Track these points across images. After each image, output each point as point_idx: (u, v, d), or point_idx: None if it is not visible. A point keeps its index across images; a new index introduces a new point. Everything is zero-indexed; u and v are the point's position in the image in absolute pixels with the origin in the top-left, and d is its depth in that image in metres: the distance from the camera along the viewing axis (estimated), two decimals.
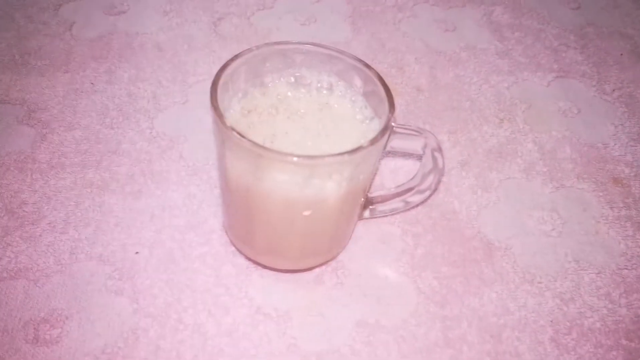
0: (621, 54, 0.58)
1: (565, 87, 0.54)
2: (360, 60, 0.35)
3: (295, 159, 0.29)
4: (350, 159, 0.30)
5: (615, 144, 0.50)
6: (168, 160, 0.44)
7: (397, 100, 0.51)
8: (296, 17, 0.58)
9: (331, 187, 0.31)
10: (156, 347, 0.34)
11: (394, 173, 0.45)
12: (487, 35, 0.59)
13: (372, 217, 0.40)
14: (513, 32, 0.59)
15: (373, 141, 0.31)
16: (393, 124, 0.33)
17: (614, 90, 0.55)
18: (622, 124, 0.51)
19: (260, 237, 0.36)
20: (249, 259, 0.39)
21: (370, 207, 0.39)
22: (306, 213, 0.33)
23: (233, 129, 0.30)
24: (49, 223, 0.40)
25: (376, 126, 0.35)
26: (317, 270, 0.39)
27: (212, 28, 0.56)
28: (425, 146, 0.35)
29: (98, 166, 0.43)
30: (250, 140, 0.29)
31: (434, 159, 0.35)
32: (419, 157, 0.36)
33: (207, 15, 0.57)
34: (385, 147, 0.34)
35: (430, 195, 0.38)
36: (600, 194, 0.46)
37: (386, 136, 0.32)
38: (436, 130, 0.49)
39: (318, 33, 0.57)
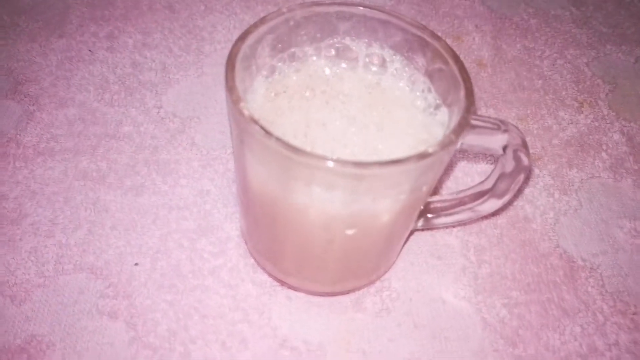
0: None
1: None
2: (424, 28, 0.27)
3: (337, 166, 0.21)
4: (413, 167, 0.22)
5: None
6: (178, 148, 0.37)
7: None
8: None
9: (385, 203, 0.24)
10: None
11: (457, 170, 0.37)
12: None
13: (426, 228, 0.32)
14: None
15: (445, 144, 0.22)
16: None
17: None
18: None
19: (288, 255, 0.28)
20: (273, 276, 0.31)
21: (428, 215, 0.31)
22: (350, 232, 0.25)
23: (255, 122, 0.22)
24: (32, 224, 0.33)
25: (443, 117, 0.26)
26: (357, 292, 0.31)
27: None
28: (506, 145, 0.26)
29: (93, 153, 0.36)
30: (277, 138, 0.22)
31: (517, 159, 0.27)
32: (493, 156, 0.28)
33: None
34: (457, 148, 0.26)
35: (507, 202, 0.30)
36: None
37: (462, 135, 0.23)
38: (502, 115, 0.40)
39: None
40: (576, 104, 0.42)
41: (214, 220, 0.34)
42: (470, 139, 0.26)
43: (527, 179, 0.29)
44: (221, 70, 0.41)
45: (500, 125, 0.26)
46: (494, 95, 0.42)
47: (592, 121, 0.41)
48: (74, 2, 0.45)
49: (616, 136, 0.40)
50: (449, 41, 0.44)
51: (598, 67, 0.44)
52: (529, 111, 0.41)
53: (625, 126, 0.41)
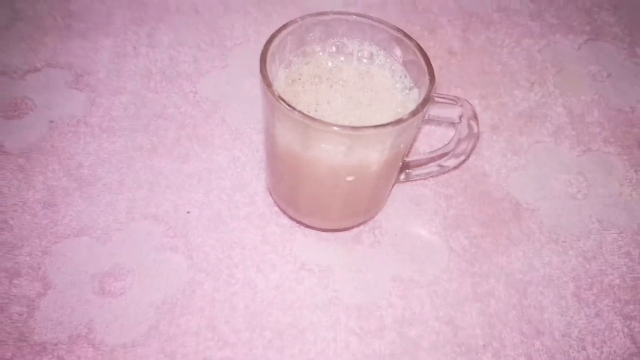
0: None
1: (596, 50, 0.55)
2: (400, 31, 0.37)
3: (340, 130, 0.31)
4: (392, 130, 0.32)
5: None
6: (212, 125, 0.46)
7: None
8: None
9: (374, 155, 0.34)
10: (211, 299, 0.38)
11: (428, 137, 0.47)
12: None
13: (407, 180, 0.42)
14: None
15: (414, 113, 0.33)
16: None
17: None
18: None
19: (304, 199, 0.38)
20: (292, 219, 0.41)
21: (407, 170, 0.41)
22: (349, 178, 0.35)
23: (283, 100, 0.32)
24: (105, 184, 0.42)
25: (415, 96, 0.36)
26: (355, 229, 0.42)
27: None
28: (461, 115, 0.37)
29: (146, 130, 0.46)
30: (299, 112, 0.32)
31: (470, 126, 0.37)
32: (454, 124, 0.38)
33: None
34: (424, 117, 0.36)
35: (464, 160, 0.40)
36: (626, 157, 0.47)
37: (426, 108, 0.34)
38: (468, 95, 0.50)
39: None
40: (528, 84, 0.52)
41: (244, 179, 0.44)
42: (436, 111, 0.36)
43: (476, 142, 0.39)
44: (241, 61, 0.51)
45: (456, 101, 0.36)
46: (462, 78, 0.52)
47: (541, 97, 0.51)
48: (115, 6, 0.54)
49: (559, 109, 0.50)
50: (425, 34, 0.55)
51: (548, 54, 0.54)
52: (490, 91, 0.51)
53: (567, 101, 0.51)
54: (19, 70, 0.48)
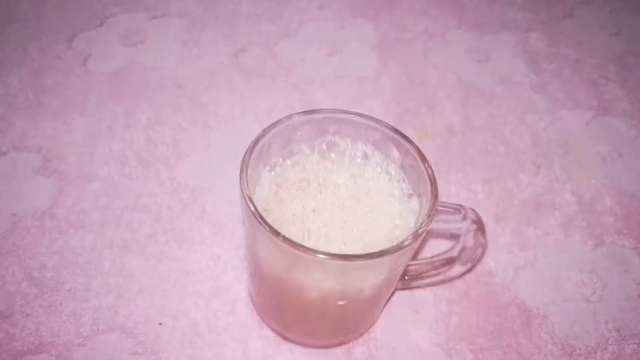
0: None
1: (604, 126, 0.52)
2: (398, 132, 0.33)
3: (330, 259, 0.27)
4: (389, 258, 0.28)
5: None
6: (190, 217, 0.42)
7: (428, 143, 0.49)
8: (321, 46, 0.56)
9: (369, 280, 0.30)
10: None
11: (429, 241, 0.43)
12: (522, 67, 0.56)
13: (405, 288, 0.38)
14: (550, 63, 0.56)
15: (416, 235, 0.29)
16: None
17: None
18: None
19: (289, 317, 0.34)
20: (277, 332, 0.37)
21: (406, 277, 0.37)
22: (341, 303, 0.31)
23: (265, 223, 0.28)
24: (69, 290, 0.38)
25: (415, 206, 0.33)
26: (348, 344, 0.37)
27: (233, 61, 0.53)
28: (466, 226, 0.33)
29: (118, 223, 0.42)
30: (283, 237, 0.28)
31: (477, 237, 0.33)
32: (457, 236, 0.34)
33: (227, 46, 0.55)
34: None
35: (472, 268, 0.36)
36: None
37: (429, 226, 0.30)
38: (470, 179, 0.47)
39: (344, 65, 0.54)
40: (534, 167, 0.48)
41: (224, 281, 0.39)
42: (436, 224, 0.32)
43: (484, 251, 0.35)
44: (225, 143, 0.47)
45: (460, 210, 0.33)
46: (463, 160, 0.48)
47: (548, 182, 0.47)
48: (92, 80, 0.51)
49: (567, 196, 0.46)
50: (424, 109, 0.51)
51: (553, 131, 0.51)
52: (493, 175, 0.47)
53: (575, 186, 0.47)
54: None
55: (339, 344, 0.37)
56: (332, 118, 0.34)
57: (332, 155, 0.35)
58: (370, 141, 0.34)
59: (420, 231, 0.29)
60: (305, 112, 0.33)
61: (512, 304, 0.40)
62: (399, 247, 0.28)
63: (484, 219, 0.43)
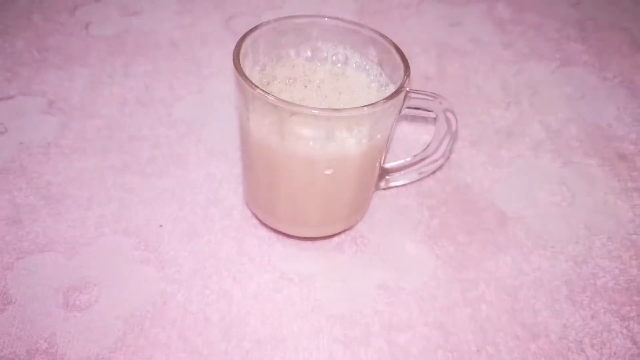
0: (620, 45, 0.60)
1: (568, 74, 0.56)
2: (375, 31, 0.37)
3: (317, 112, 0.31)
4: (369, 112, 0.31)
5: (618, 125, 0.51)
6: (187, 144, 0.46)
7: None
8: None
9: (351, 143, 0.33)
10: (184, 310, 0.35)
11: (407, 145, 0.47)
12: (490, 29, 0.61)
13: (387, 187, 0.41)
14: (515, 26, 0.61)
15: (390, 97, 0.32)
16: (408, 89, 0.34)
17: (614, 76, 0.56)
18: (624, 107, 0.53)
19: (282, 203, 0.37)
20: (271, 230, 0.40)
21: (386, 177, 0.40)
22: (327, 172, 0.34)
23: (256, 86, 0.31)
24: (74, 201, 0.41)
25: (391, 91, 0.36)
26: (337, 239, 0.40)
27: (224, 25, 0.58)
28: (439, 108, 0.36)
29: (119, 150, 0.45)
30: (274, 96, 0.31)
31: (448, 120, 0.37)
32: (433, 122, 0.37)
33: (218, 14, 0.59)
34: (401, 110, 0.35)
35: (443, 163, 0.39)
36: (607, 168, 0.47)
37: (402, 95, 0.33)
38: None
39: None
40: (504, 105, 0.52)
41: (220, 195, 0.42)
42: (414, 103, 0.36)
43: (455, 140, 0.38)
44: (218, 87, 0.51)
45: (434, 96, 0.36)
46: None
47: (517, 116, 0.51)
48: (93, 41, 0.55)
49: (536, 126, 0.50)
50: None
51: (522, 78, 0.55)
52: (467, 110, 0.51)
53: (543, 119, 0.51)
54: None
55: (329, 237, 0.39)
56: (315, 22, 0.38)
57: (316, 57, 0.38)
58: (349, 44, 0.38)
59: (393, 94, 0.32)
60: (290, 17, 0.37)
61: (488, 208, 0.43)
62: (375, 104, 0.31)
63: (460, 145, 0.47)
